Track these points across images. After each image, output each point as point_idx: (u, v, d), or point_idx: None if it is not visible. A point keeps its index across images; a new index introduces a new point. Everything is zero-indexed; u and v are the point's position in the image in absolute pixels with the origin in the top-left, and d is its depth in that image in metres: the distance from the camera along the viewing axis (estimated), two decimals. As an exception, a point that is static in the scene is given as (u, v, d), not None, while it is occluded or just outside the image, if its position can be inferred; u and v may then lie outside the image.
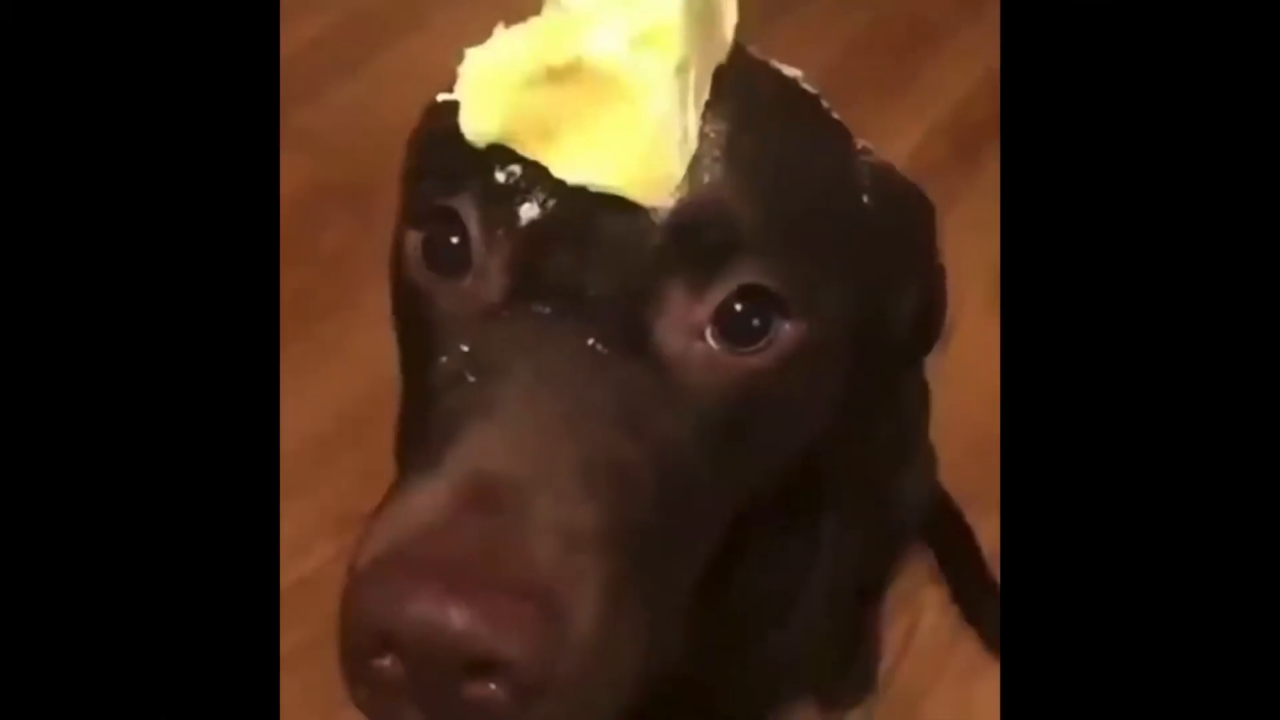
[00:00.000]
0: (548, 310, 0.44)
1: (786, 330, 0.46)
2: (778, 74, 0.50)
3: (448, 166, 0.47)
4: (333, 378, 1.08)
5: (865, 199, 0.51)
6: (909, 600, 1.04)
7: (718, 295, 0.45)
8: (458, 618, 0.37)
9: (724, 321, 0.45)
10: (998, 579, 1.02)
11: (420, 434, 0.44)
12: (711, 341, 0.45)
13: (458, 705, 0.38)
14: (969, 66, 1.35)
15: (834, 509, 0.68)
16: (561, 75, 0.42)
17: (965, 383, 0.96)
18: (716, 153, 0.45)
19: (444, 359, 0.45)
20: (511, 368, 0.43)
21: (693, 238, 0.44)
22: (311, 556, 0.99)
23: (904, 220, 0.53)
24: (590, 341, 0.44)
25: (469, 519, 0.39)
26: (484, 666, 0.38)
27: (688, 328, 0.45)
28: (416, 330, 0.47)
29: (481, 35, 0.46)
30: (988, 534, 1.04)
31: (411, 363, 0.48)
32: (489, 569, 0.38)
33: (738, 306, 0.45)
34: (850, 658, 0.97)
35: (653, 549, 0.43)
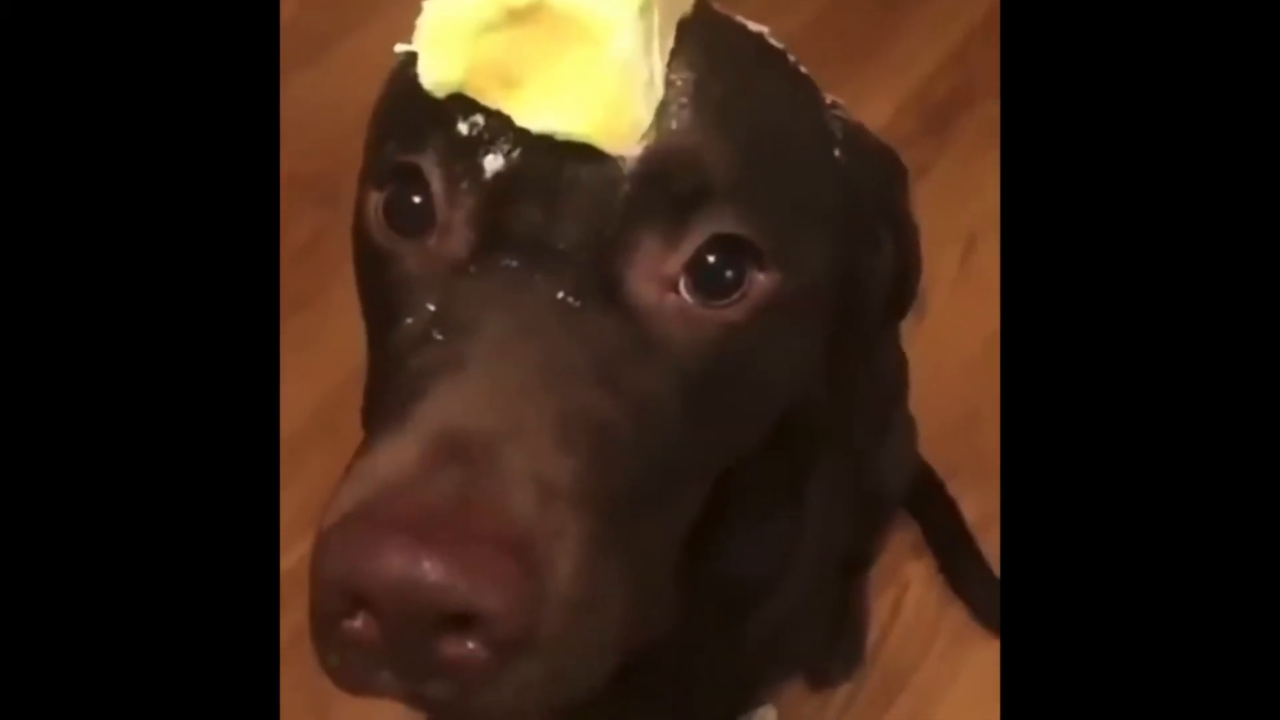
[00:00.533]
0: (516, 264, 0.43)
1: (760, 281, 0.45)
2: (743, 27, 0.49)
3: (409, 123, 0.45)
4: (303, 372, 1.07)
5: (837, 153, 0.50)
6: (894, 574, 1.04)
7: (690, 245, 0.44)
8: (432, 570, 0.35)
9: (697, 273, 0.44)
10: (982, 550, 1.02)
11: (387, 396, 0.43)
12: (685, 294, 0.44)
13: (433, 665, 0.37)
14: (940, 36, 1.34)
15: (819, 480, 0.67)
16: (522, 17, 0.41)
17: (940, 354, 0.97)
18: (684, 100, 0.43)
19: (409, 320, 0.44)
20: (480, 323, 0.42)
21: (662, 185, 0.43)
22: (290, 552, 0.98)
23: (876, 178, 0.52)
24: (561, 294, 0.42)
25: (440, 473, 0.38)
26: (461, 622, 0.36)
27: (660, 279, 0.44)
28: (381, 294, 0.46)
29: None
30: (970, 506, 1.05)
31: (376, 328, 0.47)
32: (463, 521, 0.37)
33: (710, 258, 0.44)
34: (838, 633, 0.97)
35: (633, 508, 0.42)
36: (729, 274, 0.44)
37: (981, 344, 1.13)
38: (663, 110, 0.43)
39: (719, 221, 0.44)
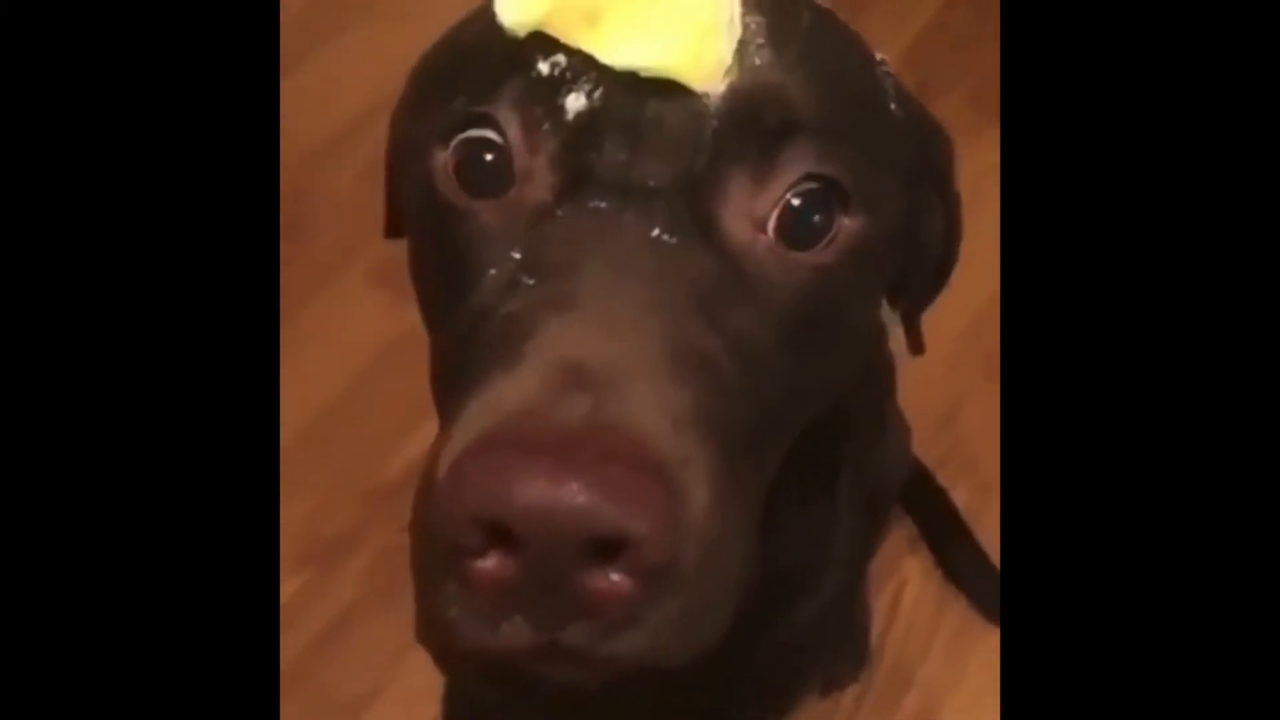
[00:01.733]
0: (605, 205, 0.42)
1: (847, 226, 0.44)
2: None
3: (478, 73, 0.44)
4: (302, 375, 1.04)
5: (893, 107, 0.50)
6: (892, 571, 1.04)
7: (781, 184, 0.43)
8: (579, 492, 0.34)
9: (788, 219, 0.44)
10: (979, 543, 1.02)
11: (479, 350, 0.41)
12: (774, 237, 0.44)
13: (575, 603, 0.36)
14: (886, 45, 1.35)
15: (847, 475, 0.67)
16: None
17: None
18: (760, 40, 0.43)
19: (493, 271, 0.43)
20: (578, 263, 0.41)
21: (750, 121, 0.43)
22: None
23: (926, 137, 0.52)
24: (656, 232, 0.42)
25: (568, 399, 0.36)
26: (609, 547, 0.35)
27: (753, 219, 0.43)
28: (454, 253, 0.44)
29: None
30: (957, 499, 1.05)
31: (445, 295, 0.45)
32: (602, 444, 0.35)
33: (796, 202, 0.43)
34: (847, 634, 0.96)
35: (742, 447, 0.41)
36: (818, 219, 0.44)
37: (958, 338, 1.14)
38: (742, 49, 0.43)
39: (807, 159, 0.43)
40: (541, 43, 0.42)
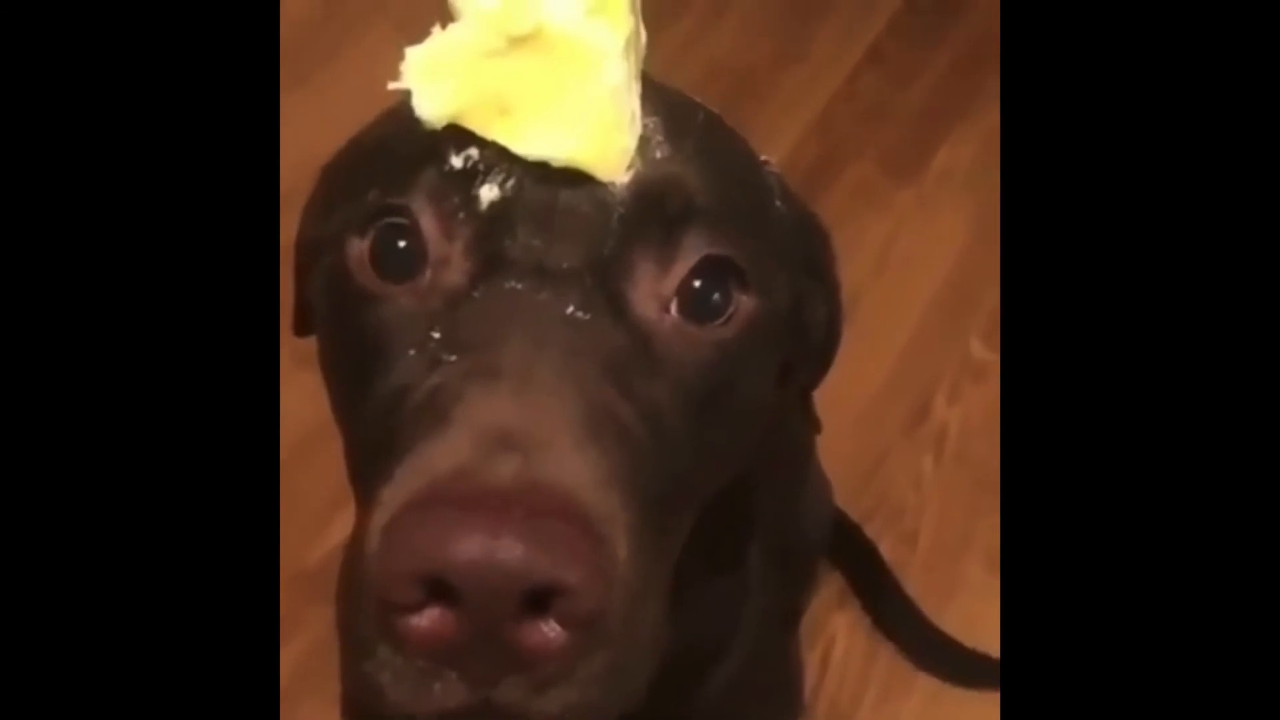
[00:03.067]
0: (520, 286, 0.44)
1: (744, 304, 0.47)
2: (678, 90, 0.52)
3: (392, 168, 0.46)
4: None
5: (778, 203, 0.53)
6: (821, 627, 1.06)
7: (683, 266, 0.46)
8: (515, 546, 0.36)
9: (688, 298, 0.46)
10: (907, 594, 1.05)
11: (402, 426, 0.42)
12: (678, 315, 0.46)
13: (509, 656, 0.37)
14: (797, 114, 1.39)
15: (758, 540, 0.69)
16: (521, 44, 0.43)
17: (836, 409, 1.02)
18: (659, 137, 0.47)
19: (411, 352, 0.44)
20: (497, 338, 0.43)
21: (655, 207, 0.46)
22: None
23: (808, 231, 0.55)
24: (570, 310, 0.44)
25: (497, 459, 0.38)
26: (543, 599, 0.37)
27: (658, 298, 0.46)
28: (370, 337, 0.46)
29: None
30: (885, 550, 1.08)
31: (361, 381, 0.47)
32: (532, 500, 0.37)
33: (697, 283, 0.46)
34: (778, 688, 0.97)
35: (654, 508, 0.43)
36: (717, 296, 0.47)
37: (876, 394, 1.18)
38: (643, 144, 0.46)
39: (705, 242, 0.46)
40: (452, 139, 0.45)
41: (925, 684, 1.03)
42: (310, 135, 0.81)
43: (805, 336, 0.55)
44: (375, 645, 0.38)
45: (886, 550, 1.07)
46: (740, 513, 0.64)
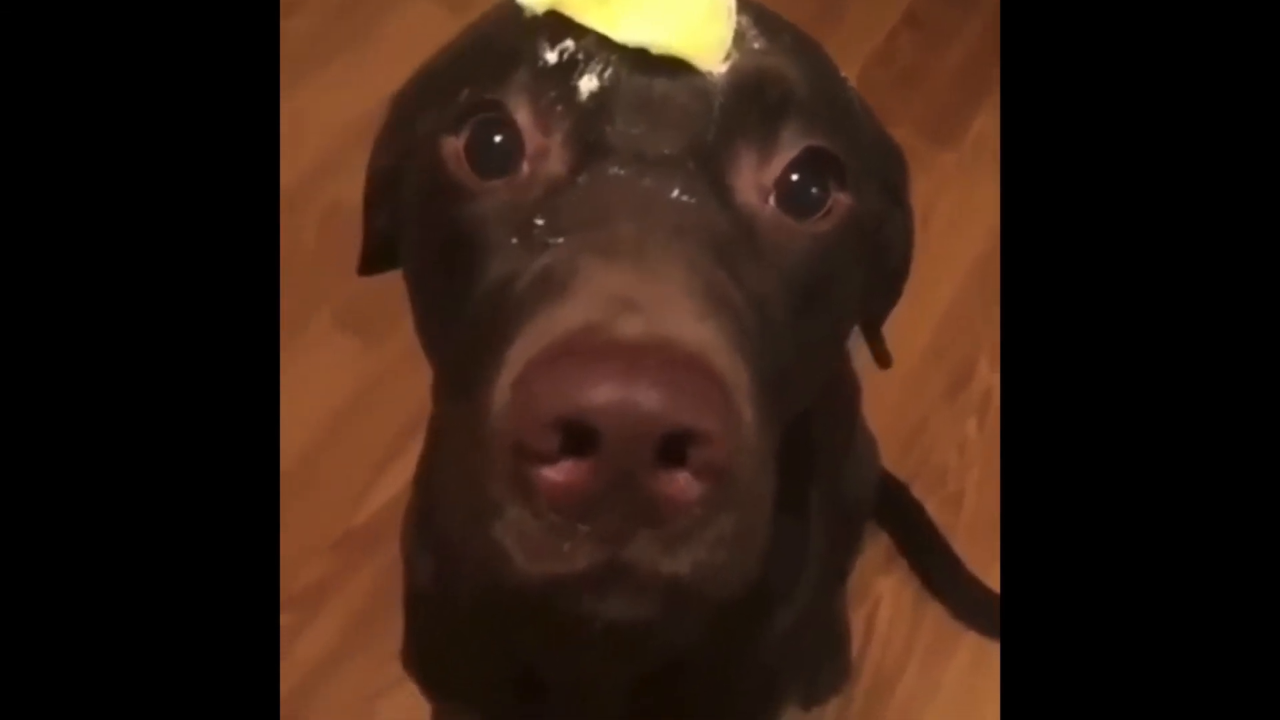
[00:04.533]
0: (623, 172, 0.44)
1: (841, 201, 0.47)
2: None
3: (486, 65, 0.47)
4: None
5: (861, 112, 0.52)
6: (866, 590, 1.05)
7: (784, 157, 0.46)
8: (654, 391, 0.35)
9: (788, 189, 0.46)
10: (955, 554, 1.04)
11: (511, 310, 0.41)
12: (776, 207, 0.46)
13: (645, 506, 0.37)
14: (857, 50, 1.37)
15: (818, 485, 0.68)
16: None
17: (878, 373, 1.02)
18: (754, 31, 0.47)
19: (514, 241, 0.44)
20: (605, 218, 0.42)
21: (754, 97, 0.45)
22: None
23: (886, 149, 0.54)
24: (675, 193, 0.43)
25: (623, 319, 0.38)
26: (679, 445, 0.36)
27: (758, 189, 0.46)
28: (467, 235, 0.46)
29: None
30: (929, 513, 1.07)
31: (458, 281, 0.46)
32: (664, 352, 0.37)
33: (795, 176, 0.46)
34: (826, 647, 0.97)
35: (765, 391, 0.42)
36: (815, 190, 0.46)
37: (919, 356, 1.17)
38: (739, 37, 0.46)
39: (806, 134, 0.46)
40: (546, 34, 0.45)
41: (971, 644, 1.02)
42: (355, 98, 0.81)
43: (883, 258, 0.54)
44: (504, 506, 0.38)
45: (931, 511, 1.06)
46: (802, 449, 0.61)
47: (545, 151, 0.45)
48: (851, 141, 0.49)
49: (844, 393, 0.85)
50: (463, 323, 0.45)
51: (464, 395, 0.42)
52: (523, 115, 0.45)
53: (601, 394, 0.35)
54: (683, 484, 0.37)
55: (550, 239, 0.43)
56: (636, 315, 0.38)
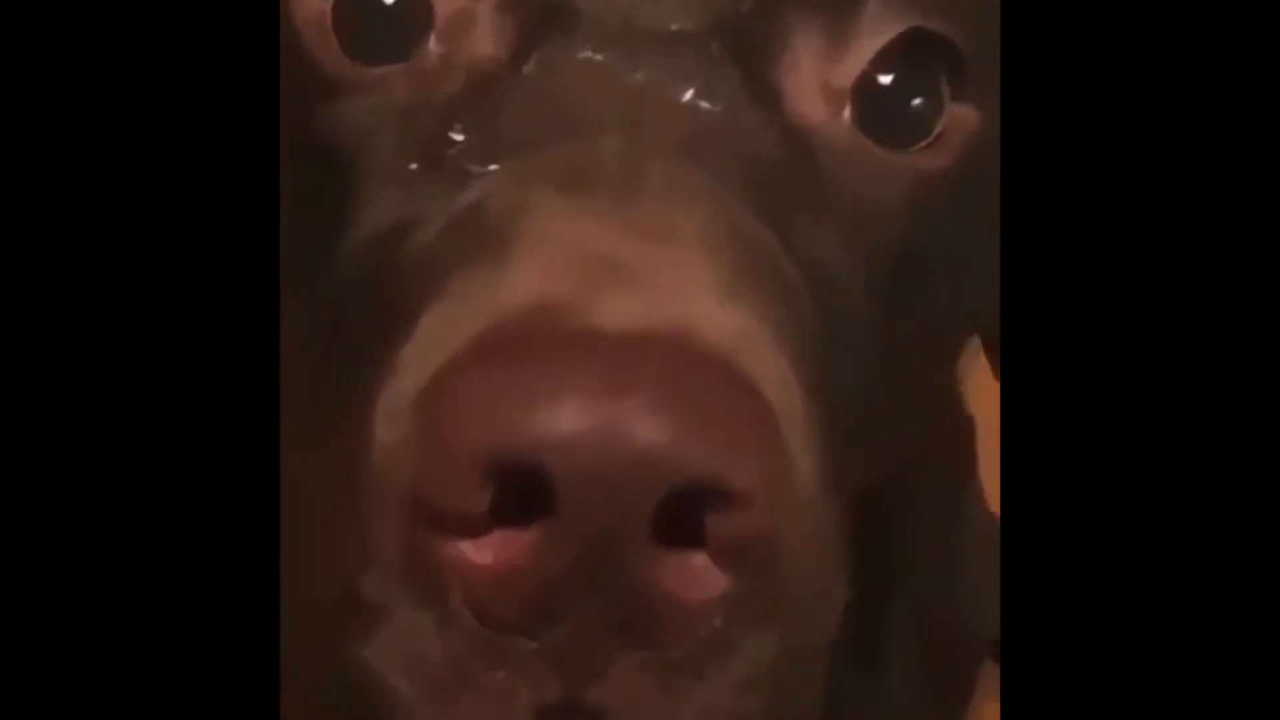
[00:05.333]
0: (600, 57, 0.32)
1: (963, 117, 0.35)
2: None
3: None
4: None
5: None
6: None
7: (869, 43, 0.34)
8: (653, 419, 0.24)
9: (874, 96, 0.34)
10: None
11: (411, 268, 0.30)
12: (854, 125, 0.34)
13: (629, 613, 0.25)
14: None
15: (905, 604, 0.49)
16: None
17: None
18: None
19: (414, 166, 0.32)
20: (569, 129, 0.31)
21: None
22: None
23: None
24: (689, 95, 0.32)
25: (604, 295, 0.26)
26: (695, 504, 0.25)
27: (825, 93, 0.34)
28: (329, 157, 0.33)
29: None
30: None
31: (316, 230, 0.33)
32: (672, 350, 0.26)
33: (887, 78, 0.34)
34: None
35: (832, 439, 0.30)
36: (919, 101, 0.35)
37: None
38: None
39: (905, 6, 0.34)
40: None
41: None
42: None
43: None
44: (388, 608, 0.27)
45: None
46: (881, 541, 0.41)
47: (468, 20, 0.34)
48: (978, 18, 0.35)
49: (951, 449, 0.59)
50: (321, 300, 0.33)
51: (323, 424, 0.31)
52: None
53: (564, 419, 0.24)
54: (697, 573, 0.26)
55: (476, 164, 0.32)
56: (625, 289, 0.27)
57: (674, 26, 0.32)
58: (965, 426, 0.59)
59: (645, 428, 0.24)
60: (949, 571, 0.60)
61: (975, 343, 0.43)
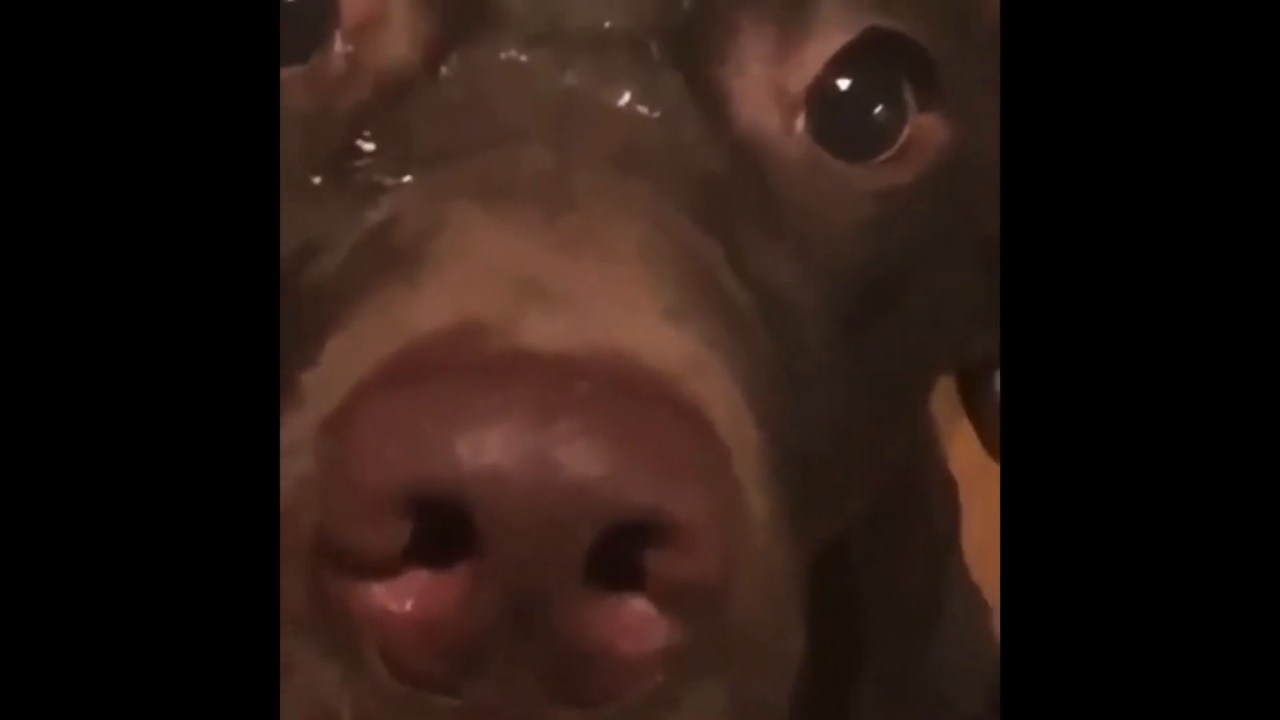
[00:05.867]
0: (524, 58, 0.30)
1: (928, 127, 0.33)
2: None
3: None
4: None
5: None
6: None
7: (825, 44, 0.31)
8: (586, 447, 0.22)
9: (830, 103, 0.32)
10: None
11: (313, 292, 0.28)
12: (808, 135, 0.32)
13: (560, 666, 0.23)
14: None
15: (873, 674, 0.45)
16: None
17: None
18: None
19: (317, 180, 0.30)
20: (491, 137, 0.28)
21: None
22: None
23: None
24: (624, 100, 0.30)
25: (528, 315, 0.24)
26: (635, 541, 0.23)
27: (778, 99, 0.32)
28: None
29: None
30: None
31: None
32: (610, 374, 0.24)
33: (845, 82, 0.32)
34: None
35: (787, 478, 0.28)
36: (881, 109, 0.32)
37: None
38: None
39: (867, 7, 0.32)
40: None
41: None
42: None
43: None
44: (291, 660, 0.24)
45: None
46: (845, 604, 0.42)
47: (378, 20, 0.31)
48: (949, 20, 0.33)
49: (924, 502, 0.54)
50: None
51: None
52: None
53: (487, 448, 0.22)
54: (636, 621, 0.23)
55: (387, 177, 0.29)
56: (555, 308, 0.25)
57: (608, 24, 0.30)
58: (943, 476, 0.55)
59: (578, 457, 0.22)
60: (926, 641, 0.55)
61: (948, 379, 0.41)
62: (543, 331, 0.24)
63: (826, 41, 0.32)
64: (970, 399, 0.42)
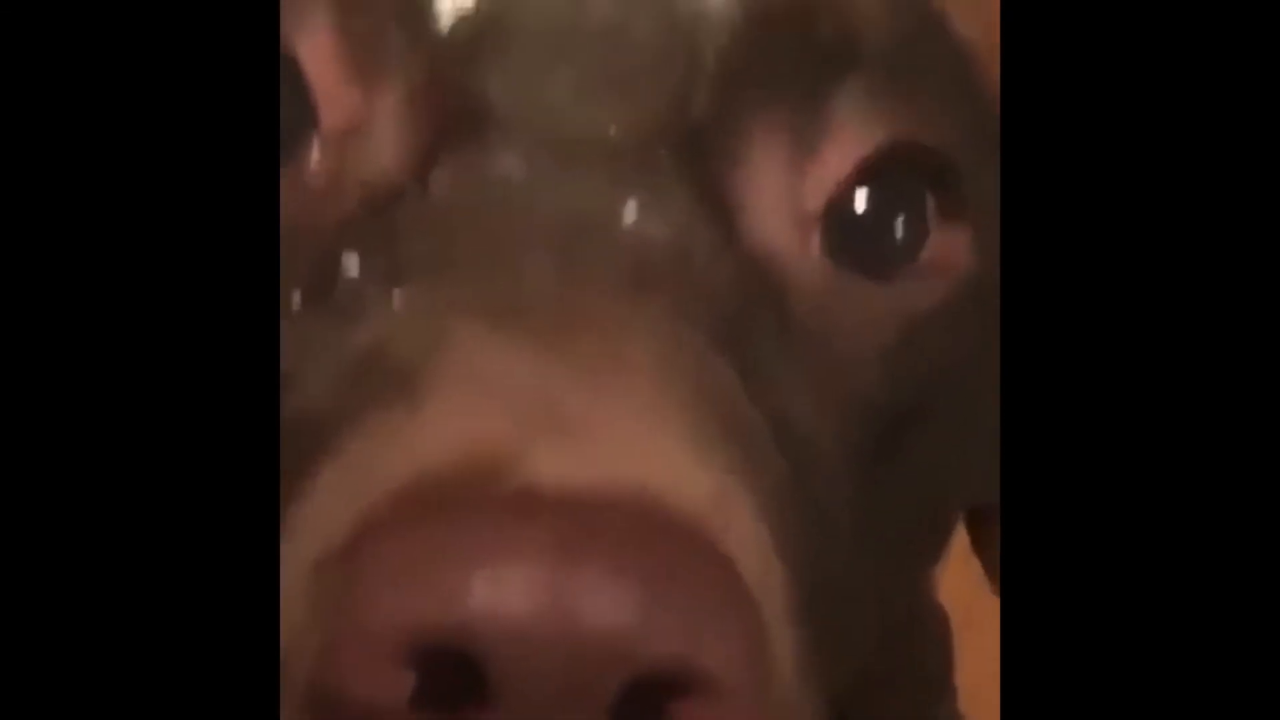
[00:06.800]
0: (524, 171, 0.27)
1: (949, 242, 0.31)
2: None
3: None
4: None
5: (982, 75, 0.34)
6: None
7: (845, 155, 0.30)
8: (608, 596, 0.21)
9: (847, 222, 0.30)
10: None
11: (297, 418, 0.25)
12: (823, 254, 0.30)
13: None
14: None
15: None
16: None
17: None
18: None
19: (295, 297, 0.27)
20: (489, 258, 0.26)
21: (788, 35, 0.29)
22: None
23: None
24: (630, 217, 0.27)
25: (541, 444, 0.22)
26: (658, 697, 0.21)
27: (793, 215, 0.30)
28: None
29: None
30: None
31: None
32: (630, 514, 0.22)
33: (864, 196, 0.30)
34: None
35: (811, 626, 0.26)
36: (902, 224, 0.30)
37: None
38: None
39: (890, 112, 0.30)
40: None
41: None
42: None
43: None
44: None
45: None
46: None
47: (361, 126, 0.29)
48: (973, 130, 0.32)
49: (915, 639, 0.49)
50: None
51: None
52: (314, 52, 0.29)
53: (501, 593, 0.20)
54: None
55: (374, 295, 0.27)
56: (572, 439, 0.23)
57: (613, 131, 0.28)
58: (933, 608, 0.51)
59: (601, 605, 0.21)
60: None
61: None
62: (560, 465, 0.23)
63: (843, 153, 0.30)
64: (977, 532, 0.41)
